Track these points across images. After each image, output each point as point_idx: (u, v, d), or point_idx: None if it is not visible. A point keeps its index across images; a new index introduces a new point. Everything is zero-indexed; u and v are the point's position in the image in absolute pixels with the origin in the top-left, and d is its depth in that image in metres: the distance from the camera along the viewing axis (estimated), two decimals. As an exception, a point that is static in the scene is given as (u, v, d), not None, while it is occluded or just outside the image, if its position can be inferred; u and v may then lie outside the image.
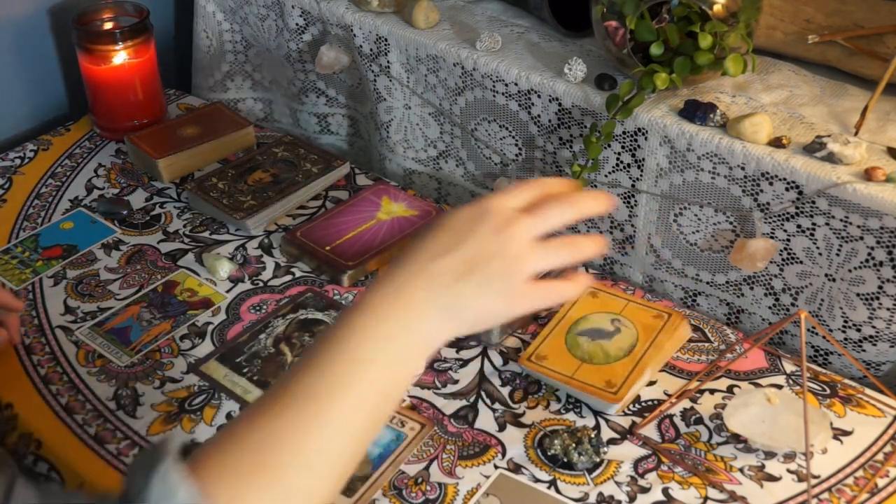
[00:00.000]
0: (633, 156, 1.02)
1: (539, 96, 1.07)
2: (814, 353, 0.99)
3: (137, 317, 1.01)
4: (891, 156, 0.92)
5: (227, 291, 1.05)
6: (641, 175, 1.03)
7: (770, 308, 1.01)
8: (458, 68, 1.13)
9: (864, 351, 0.95)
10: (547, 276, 0.64)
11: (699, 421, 0.90)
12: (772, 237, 0.96)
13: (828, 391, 0.93)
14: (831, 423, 0.89)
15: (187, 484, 0.54)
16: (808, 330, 0.98)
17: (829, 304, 0.96)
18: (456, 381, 0.94)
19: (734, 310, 1.04)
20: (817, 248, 0.94)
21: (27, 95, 1.33)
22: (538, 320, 1.01)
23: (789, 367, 0.95)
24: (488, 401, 0.92)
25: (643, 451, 0.87)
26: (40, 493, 0.61)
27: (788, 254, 0.96)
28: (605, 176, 1.06)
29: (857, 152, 0.91)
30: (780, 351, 0.98)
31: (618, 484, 0.84)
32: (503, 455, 0.87)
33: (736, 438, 0.88)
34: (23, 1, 1.28)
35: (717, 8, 0.96)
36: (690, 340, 0.99)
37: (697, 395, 0.93)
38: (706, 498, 0.83)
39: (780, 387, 0.93)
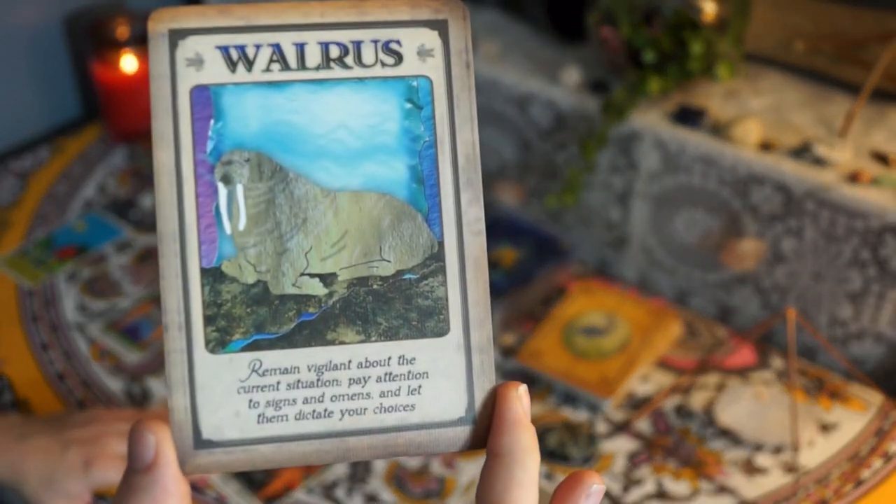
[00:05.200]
0: (627, 159, 1.02)
1: (536, 102, 1.07)
2: (801, 349, 0.99)
3: (149, 314, 1.01)
4: (875, 159, 0.92)
5: (235, 290, 1.05)
6: (635, 177, 1.03)
7: (759, 306, 1.01)
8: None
9: (849, 347, 0.95)
10: None
11: (690, 415, 0.90)
12: (761, 238, 0.96)
13: (815, 386, 0.93)
14: (818, 418, 0.89)
15: None
16: (796, 327, 0.98)
17: (816, 302, 0.96)
18: (456, 377, 0.94)
19: (724, 308, 1.05)
20: (805, 248, 0.94)
21: (42, 100, 1.33)
22: (534, 318, 1.02)
23: (778, 363, 0.95)
24: (487, 396, 0.92)
25: (636, 445, 0.87)
26: None
27: (777, 254, 0.96)
28: (600, 178, 1.06)
29: (843, 156, 0.91)
30: (770, 347, 0.98)
31: (612, 477, 0.84)
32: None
33: (726, 432, 0.88)
34: (38, 10, 1.28)
35: (708, 16, 0.96)
36: (682, 337, 0.99)
37: (689, 390, 0.93)
38: (697, 490, 0.83)
39: (769, 382, 0.93)
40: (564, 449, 0.85)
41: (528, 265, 1.02)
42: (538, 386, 0.93)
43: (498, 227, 1.07)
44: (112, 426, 0.82)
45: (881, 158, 0.92)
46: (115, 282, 1.06)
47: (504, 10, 1.24)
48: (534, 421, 0.88)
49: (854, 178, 0.89)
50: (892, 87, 0.98)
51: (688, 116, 0.98)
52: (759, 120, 0.97)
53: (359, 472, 0.84)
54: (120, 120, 1.28)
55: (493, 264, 1.02)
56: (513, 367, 0.95)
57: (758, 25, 1.07)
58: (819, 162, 0.91)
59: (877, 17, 1.02)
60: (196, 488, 0.82)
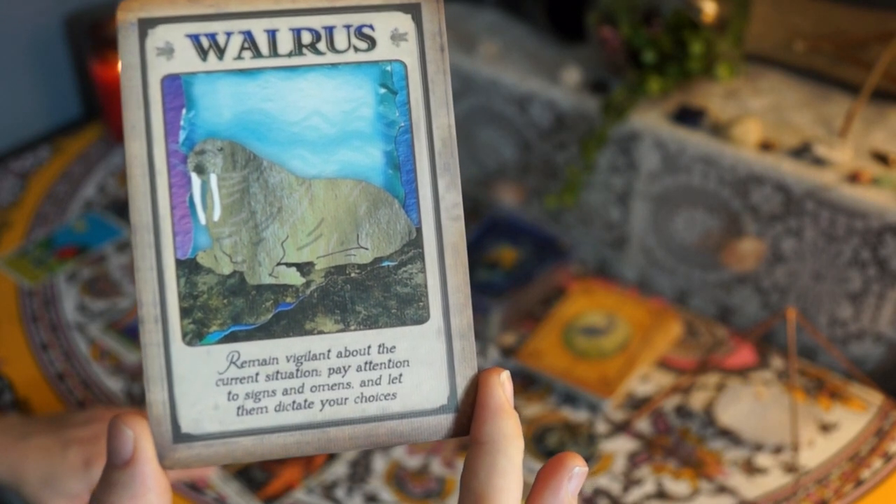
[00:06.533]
0: (627, 159, 1.02)
1: (536, 102, 1.07)
2: (801, 349, 0.99)
3: (148, 314, 1.01)
4: (875, 159, 0.92)
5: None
6: (635, 177, 1.02)
7: (759, 306, 1.01)
8: (459, 74, 1.13)
9: (849, 347, 0.95)
10: None
11: (690, 415, 0.90)
12: (761, 238, 0.96)
13: (815, 386, 0.93)
14: (818, 418, 0.89)
15: None
16: (796, 327, 0.98)
17: (816, 302, 0.96)
18: (455, 377, 0.94)
19: (724, 308, 1.04)
20: (805, 248, 0.94)
21: (42, 100, 1.33)
22: (534, 318, 1.01)
23: (778, 363, 0.95)
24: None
25: (636, 445, 0.87)
26: None
27: (777, 254, 0.96)
28: (600, 178, 1.06)
29: (843, 156, 0.91)
30: (770, 347, 0.98)
31: (612, 477, 0.84)
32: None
33: (726, 432, 0.88)
34: (39, 9, 1.28)
35: (707, 16, 0.96)
36: (682, 337, 0.99)
37: (689, 390, 0.92)
38: (697, 490, 0.83)
39: (769, 382, 0.93)
40: (564, 449, 0.85)
41: (528, 265, 1.02)
42: (538, 386, 0.93)
43: (498, 227, 1.07)
44: None
45: (881, 158, 0.92)
46: (115, 282, 1.06)
47: (504, 10, 1.24)
48: (534, 421, 0.88)
49: (854, 178, 0.89)
50: (892, 87, 0.98)
51: (688, 116, 0.97)
52: (759, 120, 0.97)
53: (359, 472, 0.84)
54: (120, 120, 1.28)
55: (492, 264, 1.02)
56: (513, 367, 0.95)
57: (758, 25, 1.07)
58: (819, 162, 0.91)
59: (877, 17, 1.02)
60: (196, 488, 0.82)
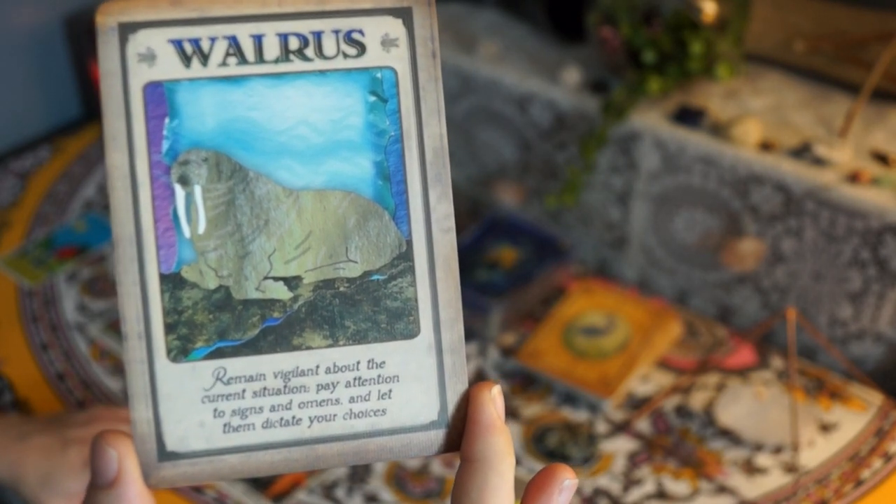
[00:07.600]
0: (627, 159, 1.02)
1: (536, 102, 1.07)
2: (801, 349, 0.99)
3: (148, 314, 1.01)
4: (875, 159, 0.92)
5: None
6: (635, 177, 1.02)
7: (759, 306, 1.01)
8: (459, 74, 1.13)
9: (849, 347, 0.95)
10: None
11: (690, 415, 0.90)
12: (761, 238, 0.96)
13: (815, 386, 0.93)
14: (818, 418, 0.89)
15: None
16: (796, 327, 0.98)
17: (816, 302, 0.96)
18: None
19: (724, 308, 1.04)
20: (805, 248, 0.94)
21: (42, 100, 1.33)
22: (534, 318, 1.01)
23: (778, 363, 0.95)
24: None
25: (636, 445, 0.87)
26: None
27: (777, 254, 0.96)
28: (600, 178, 1.06)
29: (843, 156, 0.91)
30: (770, 347, 0.98)
31: (612, 477, 0.84)
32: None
33: (726, 432, 0.88)
34: (39, 9, 1.28)
35: (707, 16, 0.96)
36: (682, 337, 0.99)
37: (689, 390, 0.92)
38: (697, 490, 0.83)
39: (769, 382, 0.93)
40: (564, 449, 0.85)
41: (528, 265, 1.02)
42: (538, 386, 0.93)
43: (498, 227, 1.07)
44: (112, 426, 0.81)
45: (881, 158, 0.92)
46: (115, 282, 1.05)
47: (504, 10, 1.23)
48: (534, 421, 0.87)
49: (854, 178, 0.89)
50: (892, 87, 0.98)
51: (688, 116, 0.97)
52: (759, 120, 0.97)
53: (359, 472, 0.84)
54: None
55: (492, 264, 1.02)
56: (513, 367, 0.95)
57: (758, 25, 1.07)
58: (819, 162, 0.91)
59: (877, 17, 1.02)
60: (196, 488, 0.82)
